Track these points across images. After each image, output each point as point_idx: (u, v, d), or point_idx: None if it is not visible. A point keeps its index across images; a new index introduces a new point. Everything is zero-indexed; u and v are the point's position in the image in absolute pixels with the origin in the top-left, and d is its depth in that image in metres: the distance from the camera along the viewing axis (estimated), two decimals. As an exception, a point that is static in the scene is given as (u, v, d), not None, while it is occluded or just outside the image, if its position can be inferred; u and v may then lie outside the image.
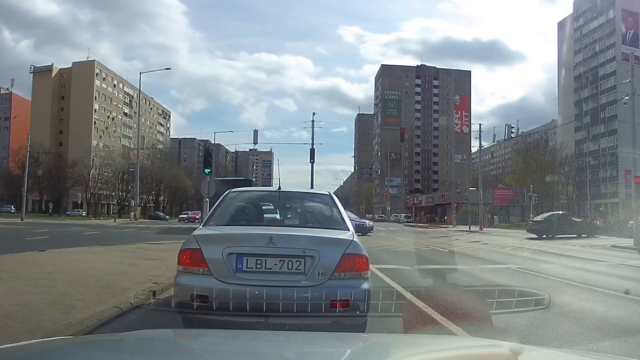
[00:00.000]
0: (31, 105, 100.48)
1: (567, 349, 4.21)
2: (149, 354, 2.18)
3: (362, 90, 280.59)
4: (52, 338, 2.78)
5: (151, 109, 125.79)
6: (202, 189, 21.20)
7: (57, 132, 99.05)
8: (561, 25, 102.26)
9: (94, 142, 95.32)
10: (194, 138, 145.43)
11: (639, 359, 5.12)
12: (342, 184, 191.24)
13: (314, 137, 48.54)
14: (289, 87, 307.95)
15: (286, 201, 6.28)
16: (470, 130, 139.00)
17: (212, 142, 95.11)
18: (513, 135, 42.03)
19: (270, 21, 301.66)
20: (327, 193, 6.37)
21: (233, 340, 2.59)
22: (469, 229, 44.75)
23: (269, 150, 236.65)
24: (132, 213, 55.82)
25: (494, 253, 19.23)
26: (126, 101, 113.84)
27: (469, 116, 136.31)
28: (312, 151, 46.93)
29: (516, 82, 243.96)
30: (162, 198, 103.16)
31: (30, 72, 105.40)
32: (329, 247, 4.79)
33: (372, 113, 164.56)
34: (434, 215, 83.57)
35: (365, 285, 4.69)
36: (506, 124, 39.41)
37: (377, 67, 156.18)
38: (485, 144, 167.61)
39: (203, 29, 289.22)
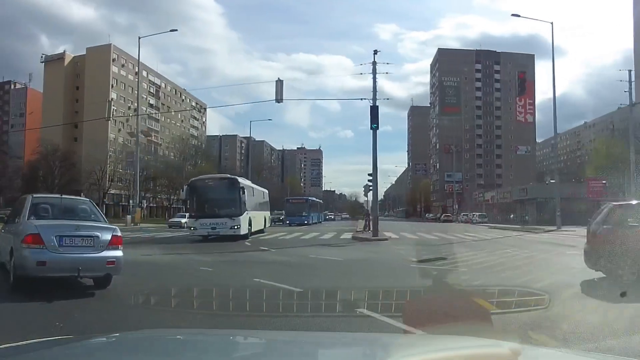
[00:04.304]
0: (43, 98, 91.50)
1: (567, 349, 4.07)
2: (148, 354, 2.24)
3: (402, 88, 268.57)
4: (52, 338, 2.68)
5: (182, 100, 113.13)
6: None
7: (72, 127, 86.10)
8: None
9: (112, 136, 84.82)
10: (236, 135, 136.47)
11: None
12: (393, 182, 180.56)
13: (376, 89, 29.64)
14: (330, 87, 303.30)
15: (67, 203, 10.61)
16: (534, 119, 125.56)
17: (255, 140, 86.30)
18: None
19: (308, 22, 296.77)
20: (88, 199, 11.58)
21: (232, 339, 2.64)
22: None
23: (318, 148, 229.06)
24: (130, 216, 45.48)
25: None
26: (151, 91, 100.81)
27: (533, 104, 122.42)
28: (374, 109, 28.57)
29: (558, 77, 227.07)
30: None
31: (42, 62, 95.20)
32: (105, 231, 9.28)
33: (422, 106, 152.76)
34: (508, 214, 70.64)
35: (120, 252, 9.23)
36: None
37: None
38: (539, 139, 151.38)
39: (240, 29, 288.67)
